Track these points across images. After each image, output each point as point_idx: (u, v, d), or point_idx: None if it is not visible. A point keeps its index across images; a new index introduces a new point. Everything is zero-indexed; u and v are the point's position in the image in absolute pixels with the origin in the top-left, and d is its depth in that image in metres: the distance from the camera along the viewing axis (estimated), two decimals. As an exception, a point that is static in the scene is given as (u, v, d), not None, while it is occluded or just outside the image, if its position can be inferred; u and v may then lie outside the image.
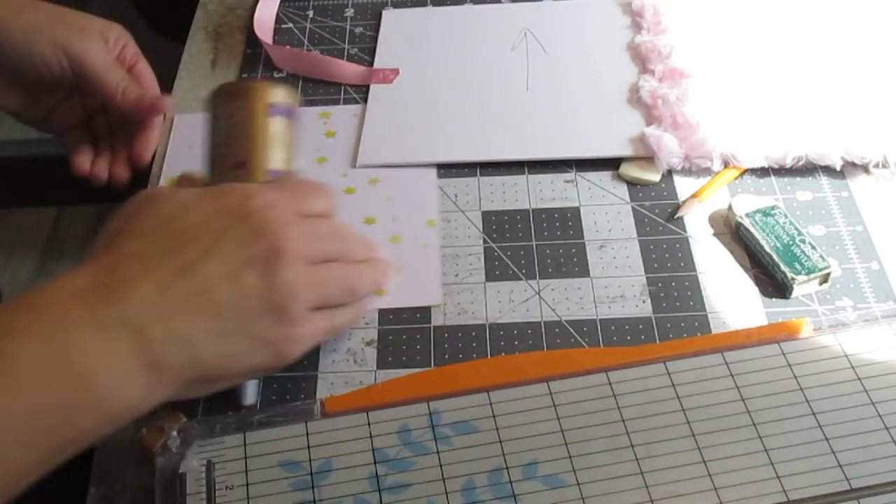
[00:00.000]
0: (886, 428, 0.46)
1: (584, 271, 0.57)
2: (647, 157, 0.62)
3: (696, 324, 0.54)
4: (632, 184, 0.62)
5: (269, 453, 0.47)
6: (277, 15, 0.78)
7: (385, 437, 0.48)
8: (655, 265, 0.57)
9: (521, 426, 0.48)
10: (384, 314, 0.56)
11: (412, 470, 0.46)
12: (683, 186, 0.62)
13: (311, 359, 0.54)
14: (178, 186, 0.55)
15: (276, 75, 0.72)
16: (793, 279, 0.54)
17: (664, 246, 0.58)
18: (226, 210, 0.45)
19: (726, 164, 0.62)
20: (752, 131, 0.63)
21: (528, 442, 0.47)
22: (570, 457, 0.46)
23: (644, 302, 0.55)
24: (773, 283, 0.55)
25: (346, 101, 0.70)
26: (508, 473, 0.46)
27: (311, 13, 0.78)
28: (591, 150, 0.64)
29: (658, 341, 0.53)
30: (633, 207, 0.61)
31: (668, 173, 0.62)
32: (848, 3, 0.72)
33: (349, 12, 0.78)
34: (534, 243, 0.59)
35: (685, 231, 0.59)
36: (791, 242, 0.55)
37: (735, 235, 0.58)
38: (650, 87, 0.66)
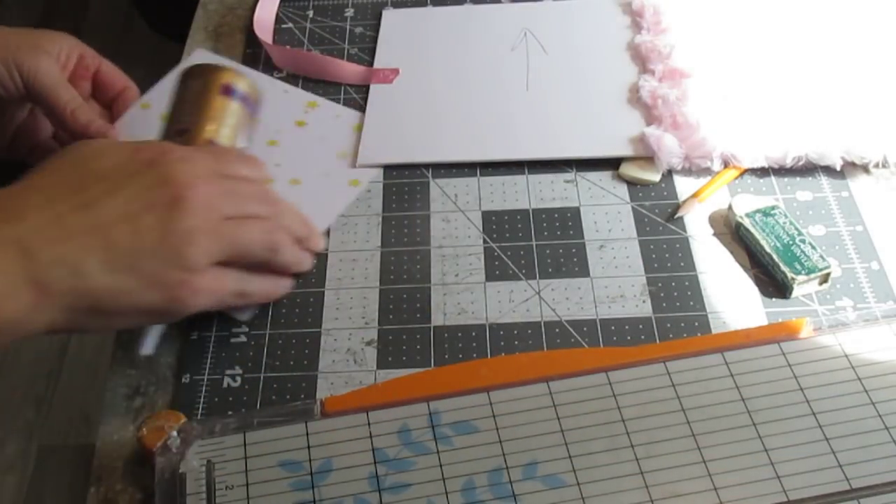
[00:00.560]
0: (886, 428, 0.46)
1: (584, 271, 0.57)
2: (647, 157, 0.62)
3: (696, 324, 0.54)
4: (632, 184, 0.62)
5: (269, 453, 0.47)
6: (277, 15, 0.78)
7: (385, 437, 0.48)
8: (655, 265, 0.57)
9: (521, 426, 0.48)
10: (384, 314, 0.56)
11: (412, 470, 0.46)
12: (683, 186, 0.62)
13: (311, 359, 0.54)
14: None
15: (276, 75, 0.72)
16: (793, 279, 0.54)
17: (664, 246, 0.58)
18: (141, 159, 0.48)
19: (726, 164, 0.62)
20: (752, 131, 0.63)
21: (528, 442, 0.47)
22: (570, 457, 0.46)
23: (644, 302, 0.55)
24: (773, 283, 0.55)
25: (347, 102, 0.70)
26: (508, 473, 0.46)
27: (311, 13, 0.78)
28: (591, 150, 0.64)
29: (658, 341, 0.53)
30: (633, 207, 0.61)
31: (668, 173, 0.62)
32: (848, 3, 0.72)
33: (349, 12, 0.78)
34: (534, 243, 0.59)
35: (685, 231, 0.59)
36: (791, 242, 0.55)
37: (735, 235, 0.58)
38: (650, 87, 0.66)
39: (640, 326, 0.54)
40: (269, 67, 0.73)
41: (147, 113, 0.65)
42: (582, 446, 0.47)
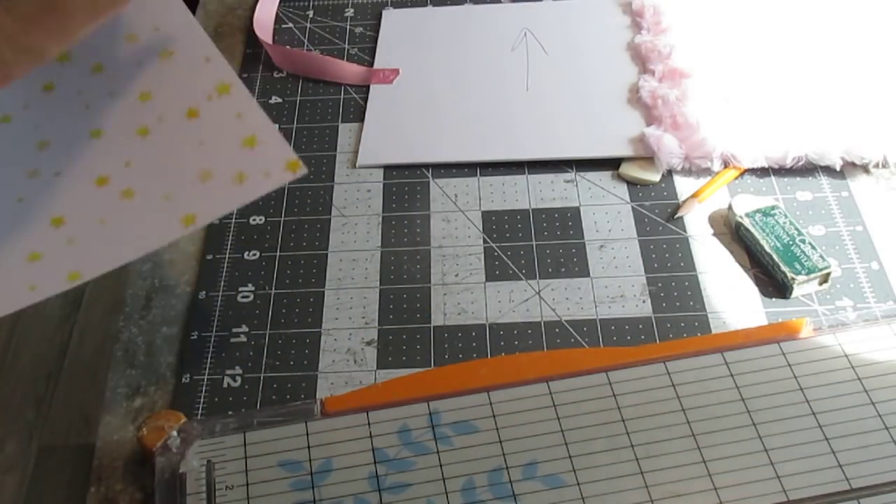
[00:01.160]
0: (886, 428, 0.46)
1: (584, 271, 0.57)
2: (647, 157, 0.62)
3: (696, 324, 0.54)
4: (632, 184, 0.62)
5: (269, 453, 0.47)
6: (277, 15, 0.78)
7: (385, 436, 0.48)
8: (655, 265, 0.57)
9: (521, 426, 0.48)
10: (384, 314, 0.56)
11: (412, 470, 0.46)
12: (683, 186, 0.62)
13: (311, 359, 0.54)
14: None
15: (276, 75, 0.72)
16: (793, 279, 0.54)
17: (664, 246, 0.58)
18: None
19: (726, 164, 0.62)
20: (751, 131, 0.63)
21: (528, 442, 0.47)
22: (570, 457, 0.46)
23: (644, 302, 0.55)
24: (773, 283, 0.55)
25: (346, 102, 0.70)
26: (508, 473, 0.46)
27: (311, 13, 0.78)
28: (591, 150, 0.64)
29: (658, 341, 0.53)
30: (633, 207, 0.61)
31: (668, 173, 0.62)
32: (848, 3, 0.72)
33: (349, 12, 0.78)
34: (534, 243, 0.59)
35: (685, 231, 0.59)
36: (791, 242, 0.55)
37: (735, 235, 0.58)
38: (650, 87, 0.66)
39: (640, 326, 0.54)
40: (269, 67, 0.73)
41: None
42: (582, 446, 0.47)
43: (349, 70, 0.71)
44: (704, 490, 0.45)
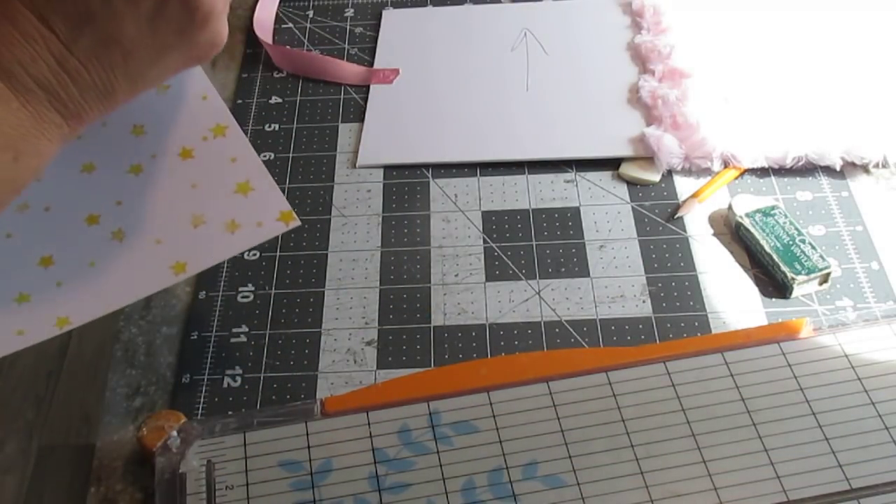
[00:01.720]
0: (886, 428, 0.46)
1: (584, 271, 0.57)
2: (647, 157, 0.62)
3: (696, 324, 0.54)
4: (632, 184, 0.62)
5: (269, 453, 0.47)
6: (277, 15, 0.78)
7: (385, 437, 0.48)
8: (655, 265, 0.57)
9: (521, 426, 0.48)
10: (384, 314, 0.56)
11: (412, 470, 0.46)
12: (683, 186, 0.62)
13: (311, 359, 0.54)
14: None
15: (276, 75, 0.72)
16: (793, 279, 0.54)
17: (664, 246, 0.58)
18: None
19: (726, 164, 0.62)
20: (752, 131, 0.63)
21: (528, 442, 0.47)
22: (570, 457, 0.46)
23: (644, 302, 0.55)
24: (773, 283, 0.55)
25: (346, 102, 0.70)
26: (508, 473, 0.46)
27: (311, 13, 0.78)
28: (591, 150, 0.64)
29: (658, 341, 0.53)
30: (633, 207, 0.61)
31: (668, 173, 0.62)
32: (848, 3, 0.72)
33: (349, 12, 0.78)
34: (534, 243, 0.59)
35: (685, 231, 0.59)
36: (791, 242, 0.55)
37: (735, 235, 0.58)
38: (650, 87, 0.66)
39: (640, 326, 0.54)
40: (269, 67, 0.73)
41: None
42: (582, 446, 0.47)
43: (349, 70, 0.71)
44: (704, 490, 0.45)
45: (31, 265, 0.43)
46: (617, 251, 0.58)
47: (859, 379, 0.48)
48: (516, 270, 0.58)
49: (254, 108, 0.70)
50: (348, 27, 0.76)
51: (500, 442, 0.47)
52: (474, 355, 0.53)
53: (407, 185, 0.63)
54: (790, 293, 0.54)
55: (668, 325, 0.54)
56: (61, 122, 0.37)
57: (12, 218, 0.44)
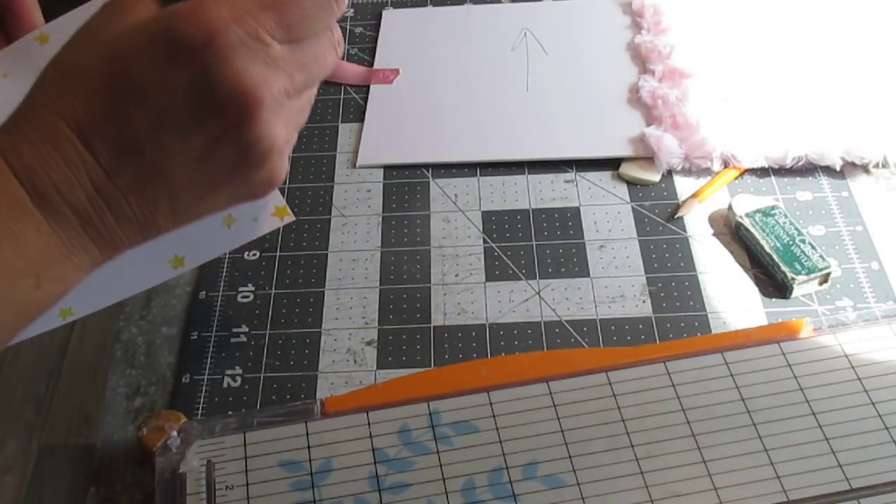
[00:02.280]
0: (886, 428, 0.46)
1: (584, 271, 0.57)
2: (647, 157, 0.62)
3: (696, 324, 0.54)
4: (632, 184, 0.62)
5: (269, 453, 0.47)
6: (277, 15, 0.78)
7: (385, 437, 0.48)
8: (655, 265, 0.57)
9: (521, 426, 0.48)
10: (384, 314, 0.56)
11: (412, 470, 0.46)
12: (683, 186, 0.62)
13: (311, 359, 0.54)
14: None
15: (276, 75, 0.72)
16: (793, 279, 0.54)
17: (664, 246, 0.58)
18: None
19: (726, 164, 0.62)
20: (752, 131, 0.63)
21: (528, 442, 0.47)
22: (570, 457, 0.46)
23: (644, 302, 0.55)
24: (773, 283, 0.55)
25: (346, 102, 0.70)
26: (508, 473, 0.46)
27: (311, 13, 0.78)
28: (591, 150, 0.64)
29: (658, 341, 0.53)
30: (633, 207, 0.61)
31: (668, 173, 0.62)
32: (848, 3, 0.72)
33: (349, 12, 0.78)
34: (534, 243, 0.59)
35: (685, 231, 0.59)
36: (791, 242, 0.55)
37: (735, 235, 0.58)
38: (650, 87, 0.66)
39: (640, 326, 0.54)
40: (269, 67, 0.73)
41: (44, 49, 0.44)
42: (582, 446, 0.47)
43: (349, 70, 0.71)
44: (704, 490, 0.45)
45: None
46: (617, 251, 0.58)
47: (859, 379, 0.48)
48: (516, 270, 0.58)
49: (254, 108, 0.70)
50: (348, 27, 0.76)
51: (500, 442, 0.47)
52: (474, 355, 0.53)
53: (407, 185, 0.63)
54: (790, 293, 0.54)
55: (668, 325, 0.54)
56: (93, 249, 0.36)
57: None
